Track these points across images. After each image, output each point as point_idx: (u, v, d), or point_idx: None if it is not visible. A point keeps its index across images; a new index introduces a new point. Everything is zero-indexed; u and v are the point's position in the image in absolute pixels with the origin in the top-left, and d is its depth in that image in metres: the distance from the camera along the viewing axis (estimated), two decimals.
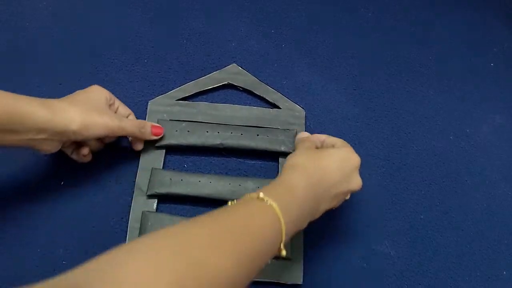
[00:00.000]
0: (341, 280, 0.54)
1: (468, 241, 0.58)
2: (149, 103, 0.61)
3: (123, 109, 0.57)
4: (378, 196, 0.59)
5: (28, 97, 0.48)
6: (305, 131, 0.61)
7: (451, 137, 0.64)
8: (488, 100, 0.68)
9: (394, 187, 0.60)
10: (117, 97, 0.62)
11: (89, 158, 0.55)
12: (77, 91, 0.54)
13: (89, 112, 0.50)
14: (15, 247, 0.52)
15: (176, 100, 0.61)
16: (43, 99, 0.49)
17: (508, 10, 0.77)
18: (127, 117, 0.57)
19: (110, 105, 0.54)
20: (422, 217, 0.58)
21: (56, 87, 0.62)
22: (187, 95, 0.62)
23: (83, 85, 0.62)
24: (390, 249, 0.56)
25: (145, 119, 0.60)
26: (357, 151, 0.61)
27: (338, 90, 0.66)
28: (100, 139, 0.56)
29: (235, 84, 0.64)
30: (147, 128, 0.56)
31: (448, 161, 0.63)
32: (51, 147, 0.50)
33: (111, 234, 0.54)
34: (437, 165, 0.62)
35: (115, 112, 0.56)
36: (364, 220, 0.58)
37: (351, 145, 0.62)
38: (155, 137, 0.57)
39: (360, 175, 0.60)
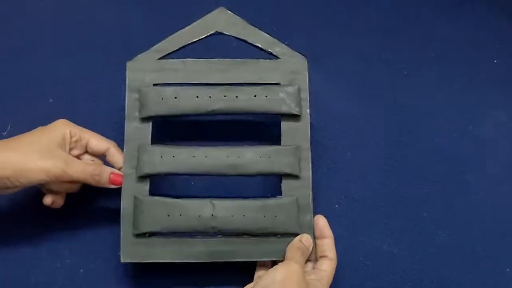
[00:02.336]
0: (344, 278, 0.54)
1: (471, 238, 0.58)
2: (127, 65, 0.53)
3: (97, 144, 0.50)
4: (381, 194, 0.59)
5: None
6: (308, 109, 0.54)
7: (453, 134, 0.64)
8: (491, 97, 0.68)
9: (397, 184, 0.60)
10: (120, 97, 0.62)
11: (58, 205, 0.51)
12: (38, 128, 0.49)
13: (27, 156, 0.45)
14: (22, 248, 0.53)
15: (159, 58, 0.54)
16: None
17: (511, 6, 0.77)
18: (104, 152, 0.51)
19: (75, 142, 0.49)
20: (424, 214, 0.58)
21: (58, 86, 0.62)
22: (170, 50, 0.55)
23: (84, 85, 0.63)
24: (393, 247, 0.56)
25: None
26: (359, 149, 0.62)
27: (340, 88, 0.66)
28: (69, 182, 0.48)
29: (225, 32, 0.56)
30: (103, 174, 0.48)
31: (450, 159, 0.62)
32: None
33: (113, 232, 0.53)
34: (440, 162, 0.62)
35: (84, 151, 0.50)
36: (367, 218, 0.58)
37: (352, 144, 0.62)
38: (112, 186, 0.49)
39: (363, 174, 0.60)
